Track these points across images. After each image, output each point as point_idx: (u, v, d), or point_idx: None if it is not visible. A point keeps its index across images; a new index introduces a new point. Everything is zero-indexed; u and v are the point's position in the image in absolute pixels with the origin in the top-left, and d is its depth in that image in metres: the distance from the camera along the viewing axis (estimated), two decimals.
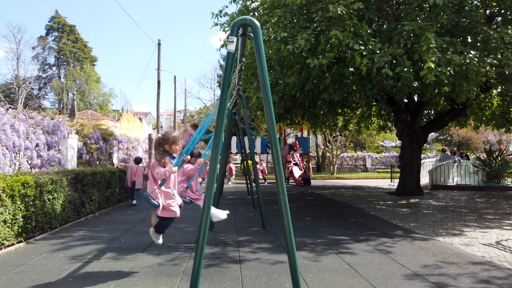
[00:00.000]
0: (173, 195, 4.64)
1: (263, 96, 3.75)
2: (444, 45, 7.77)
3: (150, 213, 4.75)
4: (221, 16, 11.05)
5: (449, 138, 45.70)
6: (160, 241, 4.84)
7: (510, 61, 7.71)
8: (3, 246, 5.63)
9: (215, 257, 5.27)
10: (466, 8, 8.53)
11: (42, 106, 42.39)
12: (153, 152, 4.77)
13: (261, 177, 21.10)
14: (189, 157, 5.09)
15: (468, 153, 24.20)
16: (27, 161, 8.72)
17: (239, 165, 30.75)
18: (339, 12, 7.54)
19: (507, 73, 8.78)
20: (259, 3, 11.23)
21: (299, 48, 8.00)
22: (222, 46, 12.71)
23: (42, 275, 4.48)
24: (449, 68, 7.42)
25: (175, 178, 4.79)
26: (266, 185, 19.49)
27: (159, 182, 4.48)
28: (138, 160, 11.91)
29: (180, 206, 4.73)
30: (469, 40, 8.88)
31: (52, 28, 56.04)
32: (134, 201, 11.36)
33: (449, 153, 19.66)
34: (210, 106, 50.44)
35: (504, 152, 16.50)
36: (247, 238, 6.52)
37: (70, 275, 4.48)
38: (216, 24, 11.17)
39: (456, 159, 18.02)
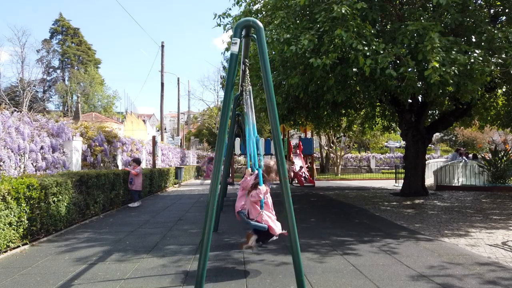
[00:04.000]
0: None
1: (267, 97, 3.75)
2: (448, 45, 7.73)
3: (247, 233, 4.79)
4: (224, 18, 11.07)
5: (454, 139, 45.47)
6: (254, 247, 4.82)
7: None
8: (8, 249, 5.66)
9: (219, 258, 5.27)
10: (470, 7, 8.48)
11: (47, 109, 42.66)
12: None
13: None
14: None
15: (475, 152, 24.04)
16: (32, 163, 8.75)
17: (243, 167, 30.78)
18: (343, 11, 7.52)
19: (511, 72, 8.73)
20: (262, 4, 11.24)
21: (302, 49, 8.00)
22: (226, 49, 12.73)
23: (47, 277, 4.50)
24: (453, 67, 7.38)
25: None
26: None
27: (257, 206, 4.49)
28: (138, 161, 11.97)
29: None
30: (473, 40, 8.83)
31: (56, 31, 56.41)
32: (137, 203, 11.39)
33: (458, 154, 19.62)
34: (214, 107, 50.53)
35: (510, 152, 16.36)
36: None
37: (75, 277, 4.49)
38: (219, 25, 11.18)
39: (462, 159, 17.94)
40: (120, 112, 52.22)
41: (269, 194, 4.61)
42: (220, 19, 11.04)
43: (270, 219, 4.48)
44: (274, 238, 4.59)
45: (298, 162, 21.62)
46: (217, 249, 5.79)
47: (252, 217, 4.51)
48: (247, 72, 4.89)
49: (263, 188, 4.39)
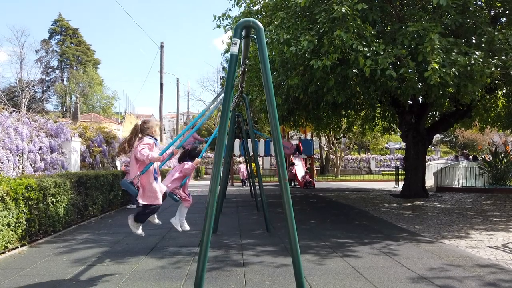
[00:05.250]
0: (156, 181, 4.59)
1: (267, 98, 3.72)
2: (449, 46, 7.72)
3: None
4: (223, 19, 11.05)
5: (454, 140, 45.47)
6: (140, 231, 4.79)
7: None
8: (6, 250, 5.63)
9: (219, 260, 5.24)
10: (470, 8, 8.47)
11: (45, 109, 42.59)
12: (133, 136, 4.70)
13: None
14: (176, 150, 5.08)
15: (475, 154, 24.07)
16: (30, 164, 8.72)
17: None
18: (344, 11, 7.50)
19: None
20: (262, 5, 11.22)
21: (302, 50, 7.98)
22: (226, 51, 12.71)
23: (45, 279, 4.47)
24: (453, 69, 7.37)
25: (157, 167, 4.71)
26: (245, 188, 19.39)
27: (142, 169, 4.44)
28: None
29: (164, 196, 4.71)
30: (474, 41, 8.82)
31: (55, 31, 56.36)
32: (134, 206, 11.34)
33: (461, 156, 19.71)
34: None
35: (510, 153, 16.36)
36: (250, 241, 6.48)
37: (73, 279, 4.46)
38: (219, 26, 11.16)
39: (464, 158, 17.97)
40: (119, 112, 52.17)
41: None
42: (220, 21, 11.03)
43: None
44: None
45: (298, 163, 21.61)
46: (217, 250, 5.76)
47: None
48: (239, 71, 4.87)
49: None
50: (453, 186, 16.32)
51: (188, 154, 5.55)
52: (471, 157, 21.06)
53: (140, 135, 4.63)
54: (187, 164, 5.40)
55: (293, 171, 20.43)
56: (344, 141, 34.07)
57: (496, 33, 8.09)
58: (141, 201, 4.51)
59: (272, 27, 9.38)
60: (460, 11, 8.31)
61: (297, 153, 20.83)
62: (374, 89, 9.66)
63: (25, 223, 6.01)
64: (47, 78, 54.28)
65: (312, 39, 8.00)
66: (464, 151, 25.52)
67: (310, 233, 7.10)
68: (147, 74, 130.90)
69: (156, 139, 4.65)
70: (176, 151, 4.97)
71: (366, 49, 7.68)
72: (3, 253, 5.54)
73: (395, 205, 11.49)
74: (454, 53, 7.61)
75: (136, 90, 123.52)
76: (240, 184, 21.93)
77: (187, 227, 5.77)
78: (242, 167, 21.29)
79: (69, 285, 4.26)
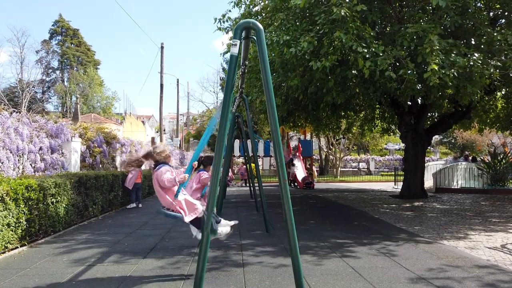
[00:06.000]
0: (185, 194, 4.62)
1: (266, 99, 3.74)
2: (448, 47, 7.74)
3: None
4: (224, 22, 11.06)
5: (453, 141, 45.49)
6: (221, 230, 4.65)
7: None
8: (6, 250, 5.64)
9: (218, 260, 5.25)
10: (470, 10, 8.49)
11: (46, 110, 42.58)
12: (149, 162, 4.84)
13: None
14: (196, 163, 5.03)
15: (474, 155, 24.10)
16: (30, 164, 8.73)
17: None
18: (343, 13, 7.52)
19: (511, 75, 8.73)
20: (261, 7, 11.24)
21: (302, 51, 8.00)
22: (226, 52, 12.73)
23: (45, 279, 4.48)
24: (453, 70, 7.39)
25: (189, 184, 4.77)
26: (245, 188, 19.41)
27: (170, 194, 4.43)
28: None
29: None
30: (473, 42, 8.83)
31: (56, 32, 56.37)
32: (134, 204, 11.41)
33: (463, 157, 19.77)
34: (213, 109, 50.55)
35: (509, 154, 16.38)
36: (250, 242, 6.49)
37: (73, 279, 4.48)
38: (220, 29, 11.19)
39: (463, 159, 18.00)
40: (119, 113, 52.24)
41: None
42: (221, 23, 11.05)
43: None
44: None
45: (298, 164, 21.61)
46: (216, 251, 5.77)
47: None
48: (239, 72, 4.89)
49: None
50: (452, 187, 16.33)
51: (202, 163, 5.52)
52: (470, 158, 21.07)
53: (153, 160, 4.71)
54: (204, 174, 5.25)
55: (294, 171, 20.41)
56: (344, 142, 34.08)
57: (495, 34, 8.11)
58: (188, 220, 4.47)
59: (272, 28, 9.40)
60: (460, 12, 8.33)
61: (291, 162, 20.80)
62: (373, 90, 9.68)
63: (25, 223, 6.02)
64: (47, 79, 54.29)
65: (312, 40, 8.02)
66: (466, 152, 25.55)
67: (309, 234, 7.11)
68: (147, 75, 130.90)
69: (171, 166, 4.68)
70: (195, 164, 4.92)
71: (366, 50, 7.70)
72: (3, 253, 5.55)
73: (394, 205, 11.50)
74: (453, 54, 7.63)
75: (136, 90, 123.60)
76: (239, 184, 22.06)
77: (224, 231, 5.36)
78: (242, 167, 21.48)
79: (68, 285, 4.27)
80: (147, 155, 4.78)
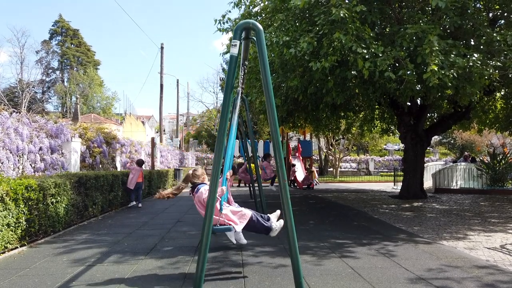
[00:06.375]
0: (228, 204, 4.72)
1: (266, 99, 3.75)
2: (447, 48, 7.75)
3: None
4: (224, 23, 11.07)
5: (452, 141, 45.53)
6: (275, 225, 4.71)
7: None
8: (6, 250, 5.64)
9: (218, 260, 5.26)
10: (469, 11, 8.51)
11: (46, 110, 42.60)
12: (186, 184, 5.04)
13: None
14: (231, 171, 5.06)
15: (473, 155, 24.13)
16: (30, 164, 8.73)
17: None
18: (342, 15, 7.54)
19: (510, 75, 8.75)
20: (261, 7, 11.26)
21: (302, 51, 8.01)
22: (226, 53, 12.74)
23: (45, 279, 4.48)
24: (452, 70, 7.40)
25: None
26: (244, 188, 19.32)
27: (217, 209, 4.43)
28: (140, 163, 11.99)
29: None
30: (472, 43, 8.84)
31: (56, 32, 56.40)
32: (134, 202, 11.53)
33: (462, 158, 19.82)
34: (213, 109, 50.57)
35: (508, 155, 16.39)
36: (249, 242, 6.47)
37: (73, 279, 4.48)
38: (220, 30, 11.20)
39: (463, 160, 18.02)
40: (119, 113, 52.22)
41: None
42: (221, 24, 11.06)
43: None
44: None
45: (297, 165, 21.62)
46: (216, 251, 5.77)
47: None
48: (241, 73, 4.91)
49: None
50: (452, 188, 16.34)
51: (235, 172, 5.55)
52: (469, 158, 21.09)
53: (191, 183, 4.91)
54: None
55: (294, 172, 20.42)
56: (343, 142, 34.09)
57: (494, 35, 8.12)
58: (240, 229, 4.54)
59: (272, 29, 9.41)
60: (459, 13, 8.34)
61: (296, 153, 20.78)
62: (373, 91, 9.69)
63: (24, 223, 6.03)
64: (47, 79, 54.32)
65: (311, 41, 8.03)
66: (466, 153, 25.55)
67: (309, 234, 7.12)
68: (147, 75, 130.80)
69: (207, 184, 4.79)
70: (230, 173, 4.97)
71: (365, 51, 7.71)
72: (2, 253, 5.56)
73: (393, 206, 11.51)
74: (453, 55, 7.64)
75: (136, 91, 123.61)
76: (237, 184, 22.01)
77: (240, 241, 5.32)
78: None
79: (68, 286, 4.27)
80: (186, 179, 5.00)
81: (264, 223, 4.67)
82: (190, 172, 5.04)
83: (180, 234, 7.20)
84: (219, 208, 4.40)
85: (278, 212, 4.82)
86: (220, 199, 4.45)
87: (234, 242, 5.13)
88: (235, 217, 4.55)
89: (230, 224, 4.48)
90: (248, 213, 4.60)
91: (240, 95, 4.73)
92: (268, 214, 4.86)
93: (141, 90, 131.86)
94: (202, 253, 3.50)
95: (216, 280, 4.43)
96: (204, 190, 4.66)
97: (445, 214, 9.71)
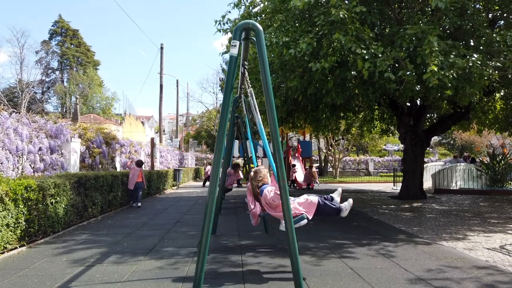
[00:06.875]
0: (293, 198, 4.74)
1: (266, 100, 3.75)
2: (447, 49, 7.75)
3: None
4: (224, 23, 11.08)
5: (452, 142, 45.57)
6: (344, 205, 4.85)
7: None
8: (5, 250, 5.64)
9: (217, 261, 5.26)
10: (469, 11, 8.51)
11: (45, 110, 42.60)
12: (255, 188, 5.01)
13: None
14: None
15: (473, 156, 24.15)
16: (30, 165, 8.73)
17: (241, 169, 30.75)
18: (341, 15, 7.54)
19: (510, 76, 8.75)
20: (261, 8, 11.26)
21: (301, 52, 8.01)
22: (225, 52, 12.75)
23: (44, 279, 4.48)
24: (452, 71, 7.40)
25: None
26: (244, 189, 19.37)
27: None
28: (139, 163, 12.04)
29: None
30: (472, 44, 8.85)
31: (56, 33, 56.39)
32: (134, 204, 11.65)
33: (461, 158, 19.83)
34: (213, 110, 50.58)
35: (508, 155, 16.40)
36: (249, 242, 6.50)
37: (72, 279, 4.48)
38: (220, 31, 11.21)
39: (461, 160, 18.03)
40: (119, 113, 52.20)
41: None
42: (220, 25, 11.07)
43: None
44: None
45: (297, 165, 21.63)
46: (215, 251, 5.77)
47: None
48: (246, 74, 4.90)
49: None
50: (451, 188, 16.34)
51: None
52: (469, 159, 21.10)
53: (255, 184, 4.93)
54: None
55: (293, 172, 20.42)
56: (343, 142, 34.10)
57: (494, 35, 8.12)
58: (312, 216, 4.62)
59: (272, 29, 9.41)
60: (459, 13, 8.35)
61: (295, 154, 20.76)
62: (372, 91, 9.69)
63: (24, 223, 6.02)
64: (47, 79, 54.31)
65: (311, 41, 8.03)
66: (465, 153, 25.59)
67: (308, 234, 7.12)
68: (147, 75, 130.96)
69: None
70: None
71: (365, 52, 7.71)
72: (2, 253, 5.55)
73: (393, 206, 11.51)
74: (452, 56, 7.64)
75: (135, 91, 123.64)
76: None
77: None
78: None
79: (68, 286, 4.27)
80: (251, 180, 4.99)
81: (333, 206, 4.75)
82: (252, 174, 4.99)
83: (180, 235, 7.20)
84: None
85: (339, 190, 4.97)
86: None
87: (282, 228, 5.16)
88: (303, 207, 4.62)
89: (302, 214, 4.55)
90: (315, 199, 4.68)
91: (252, 95, 4.69)
92: (331, 195, 4.93)
93: (140, 91, 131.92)
94: (201, 253, 3.50)
95: (216, 280, 4.42)
96: (267, 192, 4.65)
97: (444, 215, 9.71)
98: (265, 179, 4.90)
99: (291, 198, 4.62)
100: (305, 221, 4.59)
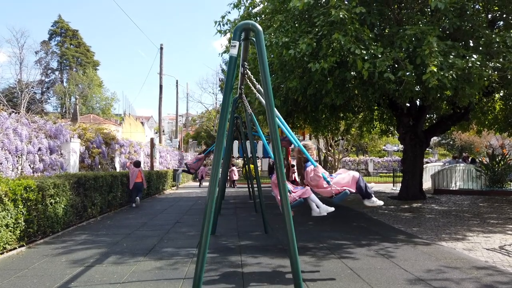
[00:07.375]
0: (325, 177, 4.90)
1: (266, 100, 3.75)
2: (446, 49, 7.75)
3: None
4: (223, 24, 11.08)
5: (451, 143, 45.57)
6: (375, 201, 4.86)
7: None
8: (5, 250, 5.63)
9: (217, 261, 5.26)
10: (468, 12, 8.51)
11: (45, 110, 42.56)
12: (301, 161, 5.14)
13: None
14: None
15: (473, 157, 24.15)
16: (29, 165, 8.72)
17: (241, 169, 30.80)
18: (341, 16, 7.55)
19: (509, 77, 8.75)
20: (261, 8, 11.26)
21: (301, 52, 8.01)
22: (225, 52, 12.74)
23: (43, 280, 4.48)
24: (451, 72, 7.40)
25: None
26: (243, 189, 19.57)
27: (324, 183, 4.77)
28: (136, 164, 12.12)
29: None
30: (471, 44, 8.85)
31: (55, 33, 56.34)
32: (134, 205, 11.70)
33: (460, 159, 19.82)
34: (212, 110, 50.59)
35: (507, 156, 16.40)
36: (249, 243, 6.50)
37: (71, 280, 4.48)
38: (219, 31, 11.20)
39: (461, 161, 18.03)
40: (119, 114, 52.17)
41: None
42: (220, 25, 11.06)
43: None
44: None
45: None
46: (215, 252, 5.77)
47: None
48: (249, 73, 4.90)
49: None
50: (451, 189, 16.34)
51: (273, 167, 5.71)
52: (469, 159, 21.11)
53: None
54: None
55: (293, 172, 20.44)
56: (342, 143, 34.08)
57: (493, 36, 8.12)
58: (354, 190, 4.76)
59: (271, 30, 9.41)
60: (458, 14, 8.35)
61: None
62: (372, 92, 9.69)
63: (23, 224, 6.02)
64: (46, 79, 54.27)
65: (311, 42, 8.04)
66: (464, 154, 25.61)
67: (308, 235, 7.12)
68: (147, 76, 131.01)
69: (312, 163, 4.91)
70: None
71: (364, 52, 7.72)
72: (1, 254, 5.55)
73: (392, 207, 11.51)
74: (452, 56, 7.64)
75: (135, 91, 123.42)
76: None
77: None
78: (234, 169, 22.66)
79: (67, 286, 4.27)
80: (298, 153, 5.03)
81: (368, 188, 4.83)
82: (300, 146, 5.01)
83: (179, 235, 7.20)
84: (326, 183, 4.70)
85: (373, 184, 5.17)
86: (321, 176, 4.69)
87: (325, 214, 5.28)
88: (345, 182, 4.74)
89: (344, 190, 4.67)
90: (356, 174, 4.83)
91: (258, 96, 4.78)
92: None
93: (140, 91, 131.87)
94: (201, 254, 3.49)
95: (215, 281, 4.42)
96: (310, 169, 4.82)
97: (444, 215, 9.71)
98: (311, 152, 5.04)
99: (330, 175, 4.84)
100: (348, 193, 4.73)
